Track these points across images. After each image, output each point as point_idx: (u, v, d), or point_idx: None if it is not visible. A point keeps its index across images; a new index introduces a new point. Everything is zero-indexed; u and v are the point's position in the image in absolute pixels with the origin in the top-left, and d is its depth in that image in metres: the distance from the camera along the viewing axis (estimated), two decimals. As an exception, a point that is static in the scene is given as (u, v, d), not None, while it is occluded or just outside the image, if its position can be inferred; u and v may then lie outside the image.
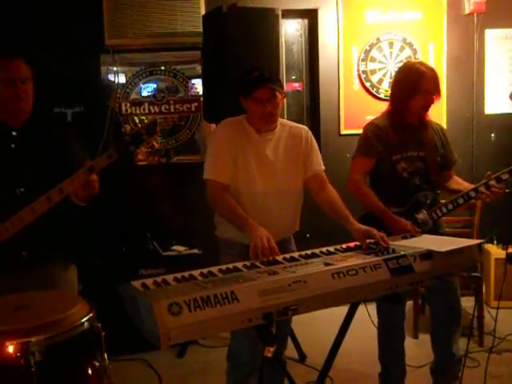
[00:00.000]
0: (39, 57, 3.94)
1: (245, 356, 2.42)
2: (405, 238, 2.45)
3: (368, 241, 2.27)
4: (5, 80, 2.33)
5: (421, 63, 2.91)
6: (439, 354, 2.90)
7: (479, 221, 3.87)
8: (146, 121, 4.34)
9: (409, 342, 3.17)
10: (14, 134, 2.41)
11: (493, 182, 2.64)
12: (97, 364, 1.79)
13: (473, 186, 2.72)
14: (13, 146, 2.40)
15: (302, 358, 3.60)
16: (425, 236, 2.50)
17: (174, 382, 3.42)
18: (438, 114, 4.25)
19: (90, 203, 2.39)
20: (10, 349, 1.64)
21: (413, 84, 2.75)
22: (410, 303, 3.68)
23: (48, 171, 2.36)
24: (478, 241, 2.34)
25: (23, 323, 1.72)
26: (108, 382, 1.86)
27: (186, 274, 1.96)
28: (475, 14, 4.45)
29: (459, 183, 2.91)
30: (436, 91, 2.77)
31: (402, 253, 2.07)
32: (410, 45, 4.45)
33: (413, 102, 2.77)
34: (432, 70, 2.82)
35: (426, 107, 2.79)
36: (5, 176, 2.35)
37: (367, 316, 2.91)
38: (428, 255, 2.08)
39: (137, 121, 4.39)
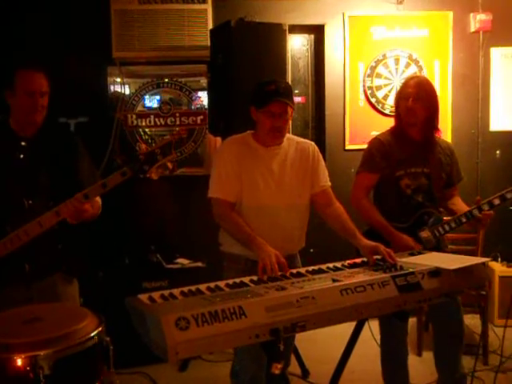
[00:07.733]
0: (47, 67, 4.01)
1: (248, 373, 2.39)
2: (412, 254, 2.44)
3: (375, 257, 2.26)
4: (26, 91, 2.34)
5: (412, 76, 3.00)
6: (443, 372, 2.87)
7: (483, 238, 3.85)
8: (153, 134, 4.38)
9: (412, 360, 3.14)
10: (23, 144, 2.40)
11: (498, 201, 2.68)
12: (105, 379, 1.77)
13: (474, 206, 2.72)
14: (22, 156, 2.39)
15: (305, 374, 3.56)
16: (433, 253, 2.48)
17: (175, 397, 3.39)
18: (444, 130, 4.22)
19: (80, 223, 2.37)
20: (19, 362, 1.63)
21: (398, 92, 2.93)
22: (412, 320, 3.65)
23: (57, 183, 2.36)
24: (486, 259, 2.32)
25: (32, 337, 1.71)
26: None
27: (193, 288, 1.95)
28: (481, 32, 4.47)
29: (457, 205, 2.90)
30: (414, 95, 2.76)
31: (411, 270, 2.06)
32: (416, 61, 4.46)
33: (400, 110, 2.85)
34: (414, 78, 2.94)
35: (408, 112, 2.79)
36: (14, 187, 2.34)
37: (370, 332, 2.88)
38: (436, 273, 2.07)
39: (141, 133, 4.39)
